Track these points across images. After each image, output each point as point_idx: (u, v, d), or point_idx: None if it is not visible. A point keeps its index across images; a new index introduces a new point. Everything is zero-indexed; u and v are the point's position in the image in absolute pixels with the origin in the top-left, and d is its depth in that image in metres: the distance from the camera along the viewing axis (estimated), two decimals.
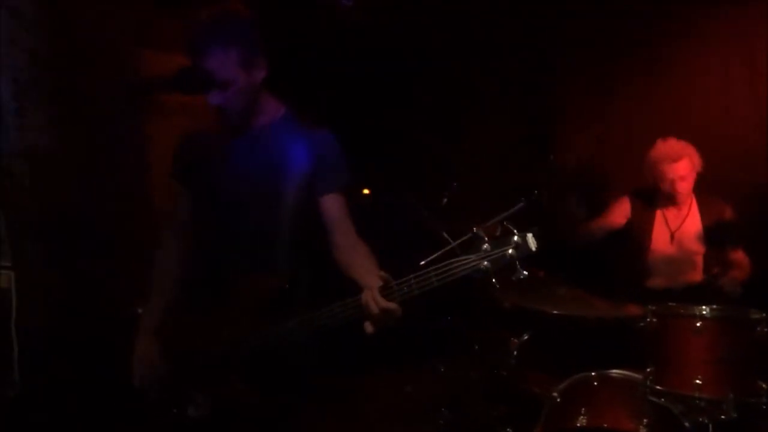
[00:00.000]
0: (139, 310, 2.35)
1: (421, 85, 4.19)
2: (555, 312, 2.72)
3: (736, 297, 2.96)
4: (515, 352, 2.90)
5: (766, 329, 2.19)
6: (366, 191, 3.94)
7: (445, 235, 3.32)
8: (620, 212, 3.36)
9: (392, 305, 1.70)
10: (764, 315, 2.20)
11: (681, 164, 3.12)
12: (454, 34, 4.06)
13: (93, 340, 2.49)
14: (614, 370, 2.53)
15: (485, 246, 1.59)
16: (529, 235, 1.58)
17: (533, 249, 1.58)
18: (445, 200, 3.44)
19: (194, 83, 1.81)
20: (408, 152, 4.08)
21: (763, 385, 2.15)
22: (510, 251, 1.57)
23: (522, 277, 1.59)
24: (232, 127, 1.97)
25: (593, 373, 2.52)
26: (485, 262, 1.59)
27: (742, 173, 3.54)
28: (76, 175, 2.42)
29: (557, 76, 4.02)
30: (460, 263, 1.62)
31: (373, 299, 1.70)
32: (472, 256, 1.60)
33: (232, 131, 1.97)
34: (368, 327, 1.74)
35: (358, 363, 3.24)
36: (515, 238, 1.58)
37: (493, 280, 1.61)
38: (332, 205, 1.96)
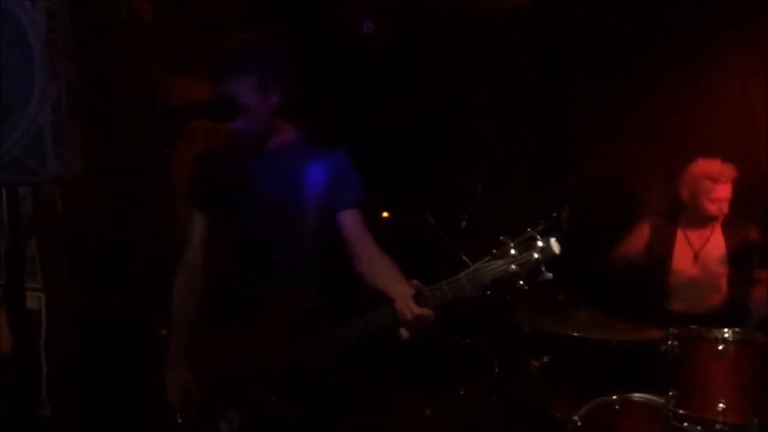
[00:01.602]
0: (164, 332, 2.41)
1: (441, 107, 4.24)
2: (576, 335, 2.72)
3: (764, 317, 2.92)
4: (536, 376, 2.89)
5: None
6: (385, 214, 3.97)
7: (464, 257, 3.34)
8: (639, 237, 3.34)
9: (426, 311, 1.76)
10: None
11: (724, 187, 3.09)
12: (475, 57, 4.12)
13: (121, 361, 2.53)
14: (636, 394, 2.52)
15: (513, 251, 1.68)
16: (553, 240, 1.68)
17: (557, 252, 1.67)
18: (464, 223, 3.47)
19: (225, 111, 1.89)
20: (427, 175, 4.12)
21: None
22: (536, 255, 1.67)
23: (548, 278, 1.68)
24: (247, 149, 2.04)
25: (615, 397, 2.52)
26: (513, 266, 1.68)
27: (759, 193, 3.52)
28: (105, 199, 2.50)
29: (578, 97, 4.04)
30: (489, 267, 1.71)
31: (408, 306, 1.76)
32: (500, 261, 1.70)
33: (247, 153, 2.04)
34: (403, 333, 1.80)
35: (378, 385, 3.24)
36: (539, 243, 1.68)
37: (521, 282, 1.70)
38: (350, 220, 2.01)
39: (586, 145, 4.02)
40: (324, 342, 1.90)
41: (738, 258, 3.16)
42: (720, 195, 3.10)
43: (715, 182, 3.09)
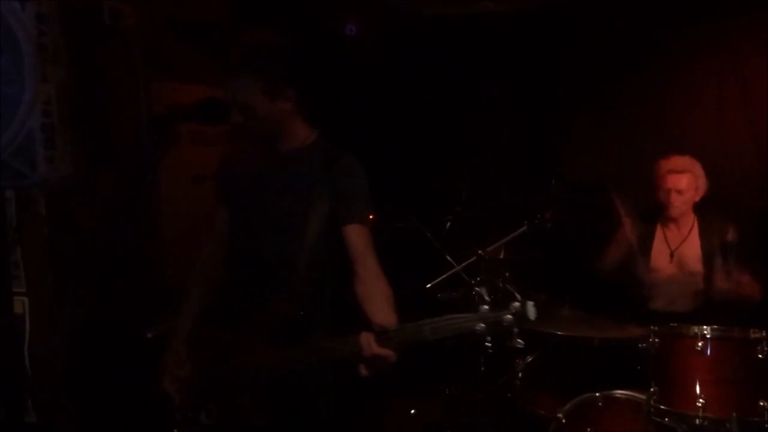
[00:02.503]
0: (149, 335, 2.41)
1: (424, 109, 4.27)
2: (559, 333, 2.76)
3: (723, 299, 2.99)
4: (520, 374, 2.93)
5: (766, 348, 2.23)
6: (370, 216, 3.98)
7: (449, 258, 3.37)
8: (622, 237, 3.39)
9: (386, 352, 1.70)
10: (764, 334, 2.24)
11: (682, 177, 3.16)
12: (459, 59, 4.16)
13: (105, 366, 2.52)
14: (618, 391, 2.56)
15: (485, 307, 1.57)
16: (530, 304, 1.55)
17: (532, 318, 1.55)
18: (449, 224, 3.50)
19: (213, 113, 1.89)
20: (412, 176, 4.14)
21: (765, 405, 2.19)
22: (507, 317, 1.55)
23: (518, 346, 1.57)
24: (260, 152, 2.04)
25: (598, 394, 2.56)
26: (481, 324, 1.56)
27: (737, 193, 3.61)
28: (92, 203, 2.48)
29: (559, 100, 4.10)
30: (456, 321, 1.60)
31: (368, 343, 1.71)
32: (471, 315, 1.58)
33: (261, 156, 2.04)
34: (362, 370, 1.75)
35: (362, 385, 3.25)
36: (515, 304, 1.55)
37: (487, 343, 1.58)
38: (354, 235, 1.95)
39: (570, 146, 4.07)
40: (288, 357, 1.89)
41: (715, 257, 3.24)
42: (677, 185, 3.16)
43: (675, 173, 3.17)
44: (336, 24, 4.06)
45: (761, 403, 2.19)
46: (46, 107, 1.46)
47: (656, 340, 2.38)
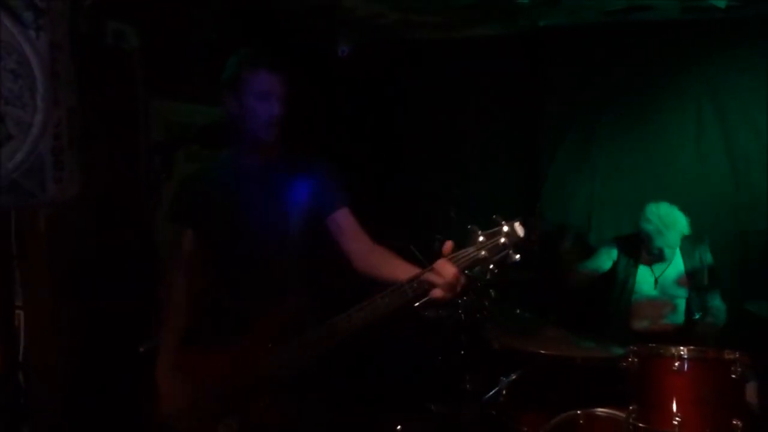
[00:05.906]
0: (142, 349, 2.44)
1: (414, 130, 4.36)
2: (543, 352, 2.83)
3: (713, 339, 3.10)
4: (504, 392, 2.99)
5: (740, 369, 2.30)
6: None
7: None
8: (607, 257, 3.52)
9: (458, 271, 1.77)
10: (738, 355, 2.32)
11: (670, 231, 3.29)
12: (449, 84, 4.26)
13: (101, 381, 2.54)
14: (599, 409, 2.62)
15: (481, 238, 1.74)
16: (516, 223, 1.73)
17: (521, 235, 1.72)
18: (437, 245, 3.56)
19: (216, 137, 1.96)
20: (402, 198, 4.22)
21: (739, 423, 2.26)
22: (502, 239, 1.72)
23: (516, 260, 1.73)
24: (237, 161, 2.11)
25: (579, 412, 2.62)
26: (483, 252, 1.73)
27: (714, 221, 3.73)
28: (89, 220, 2.53)
29: (545, 130, 4.20)
30: (461, 254, 1.76)
31: (445, 267, 1.75)
32: (471, 248, 1.75)
33: (238, 166, 2.12)
34: (437, 293, 1.78)
35: (349, 402, 3.30)
36: (504, 228, 1.73)
37: (491, 266, 1.75)
38: (342, 220, 2.07)
39: (553, 177, 4.17)
40: (346, 326, 1.87)
41: (695, 281, 3.37)
42: (665, 241, 3.32)
43: (658, 233, 3.31)
44: (328, 45, 4.15)
45: (734, 422, 2.26)
46: (56, 130, 1.51)
47: (635, 359, 2.45)
